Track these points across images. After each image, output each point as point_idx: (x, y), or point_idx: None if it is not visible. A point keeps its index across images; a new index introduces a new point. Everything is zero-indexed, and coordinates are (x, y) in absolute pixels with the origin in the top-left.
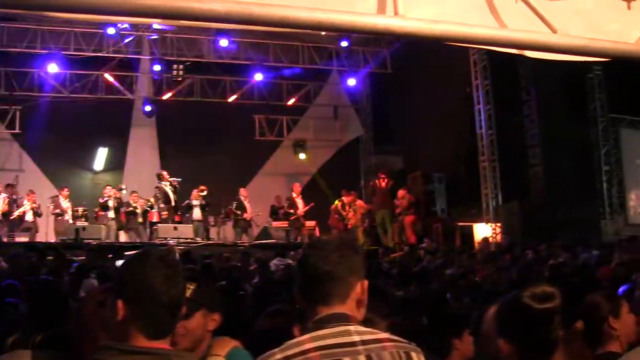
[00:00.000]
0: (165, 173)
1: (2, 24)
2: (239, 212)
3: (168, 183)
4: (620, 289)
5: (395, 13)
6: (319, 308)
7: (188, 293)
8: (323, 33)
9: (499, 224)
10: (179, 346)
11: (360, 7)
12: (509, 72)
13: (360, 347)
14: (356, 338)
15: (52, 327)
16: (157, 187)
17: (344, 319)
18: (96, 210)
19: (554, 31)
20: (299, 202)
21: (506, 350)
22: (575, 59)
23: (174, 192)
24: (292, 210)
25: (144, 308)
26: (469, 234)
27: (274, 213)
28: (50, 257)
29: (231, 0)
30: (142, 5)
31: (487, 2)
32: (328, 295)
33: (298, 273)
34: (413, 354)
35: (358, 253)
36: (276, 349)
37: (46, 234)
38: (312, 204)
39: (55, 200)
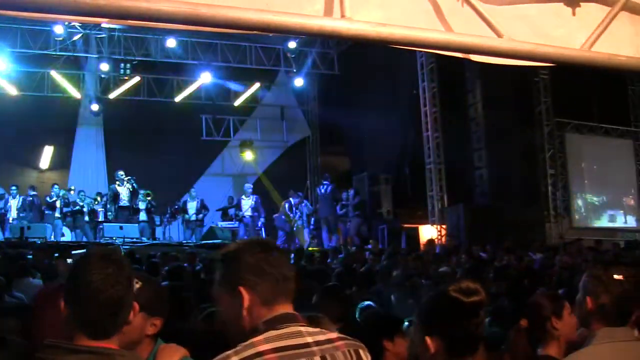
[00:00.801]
0: (121, 172)
1: None
2: (186, 213)
3: (124, 183)
4: (561, 291)
5: (342, 16)
6: (271, 308)
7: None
8: (271, 35)
9: (444, 226)
10: None
11: (308, 10)
12: (456, 74)
13: (314, 348)
14: (309, 339)
15: None
16: (112, 187)
17: (294, 319)
18: (42, 209)
19: (500, 36)
20: (245, 202)
21: (433, 347)
22: (520, 64)
23: (133, 193)
24: (239, 211)
25: (83, 308)
26: (414, 235)
27: (225, 213)
28: None
29: (178, 1)
30: (88, 5)
31: (434, 6)
32: (281, 295)
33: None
34: (361, 352)
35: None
36: (230, 351)
37: None
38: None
39: (2, 197)
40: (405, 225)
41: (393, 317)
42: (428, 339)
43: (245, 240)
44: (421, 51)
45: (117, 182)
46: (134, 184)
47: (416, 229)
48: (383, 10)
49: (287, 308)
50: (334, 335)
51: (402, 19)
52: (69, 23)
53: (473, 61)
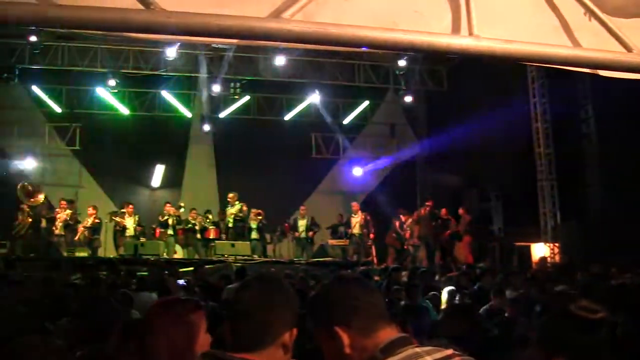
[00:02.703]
0: (231, 196)
1: (63, 44)
2: (296, 230)
3: (232, 206)
4: None
5: (470, 33)
6: (374, 336)
7: None
8: (380, 52)
9: (557, 244)
10: None
11: (436, 27)
12: (568, 89)
13: None
14: (429, 359)
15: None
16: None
17: (408, 341)
18: (154, 227)
19: (629, 50)
20: (354, 220)
21: None
22: None
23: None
24: (348, 230)
25: (234, 323)
26: (527, 253)
27: (334, 231)
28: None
29: (307, 22)
30: (216, 26)
31: (560, 21)
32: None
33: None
34: None
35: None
36: None
37: (105, 249)
38: (372, 234)
39: (115, 216)
40: (517, 243)
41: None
42: (549, 355)
43: (325, 281)
44: (549, 67)
45: (229, 205)
46: (242, 207)
47: (528, 247)
48: (509, 26)
49: (392, 331)
50: (449, 351)
51: (528, 35)
52: (178, 44)
53: (586, 75)
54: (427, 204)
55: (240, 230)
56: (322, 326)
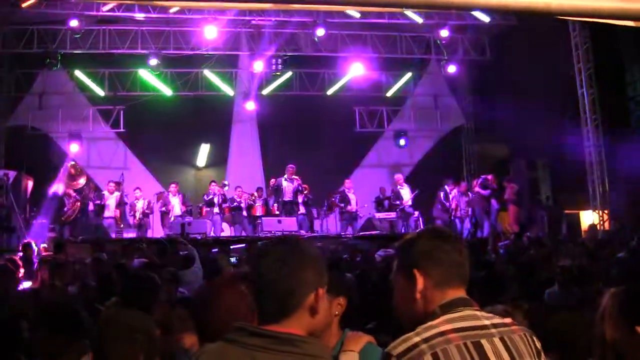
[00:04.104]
0: (291, 167)
1: (104, 27)
2: (342, 204)
3: (293, 182)
4: None
5: None
6: (444, 292)
7: None
8: (421, 22)
9: (606, 211)
10: None
11: None
12: (612, 53)
13: (493, 330)
14: (486, 322)
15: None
16: (273, 179)
17: (469, 303)
18: (201, 206)
19: None
20: (404, 192)
21: None
22: None
23: (297, 190)
24: (397, 202)
25: (255, 296)
26: (576, 221)
27: (379, 204)
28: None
29: None
30: None
31: None
32: (454, 280)
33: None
34: (534, 338)
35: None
36: (410, 333)
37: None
38: (415, 192)
39: (161, 196)
40: (566, 212)
41: None
42: (638, 328)
43: (423, 229)
44: (592, 22)
45: (285, 176)
46: (300, 185)
47: (577, 215)
48: None
49: (460, 293)
50: (508, 320)
51: None
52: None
53: (631, 38)
54: (487, 177)
55: (290, 207)
56: (403, 267)
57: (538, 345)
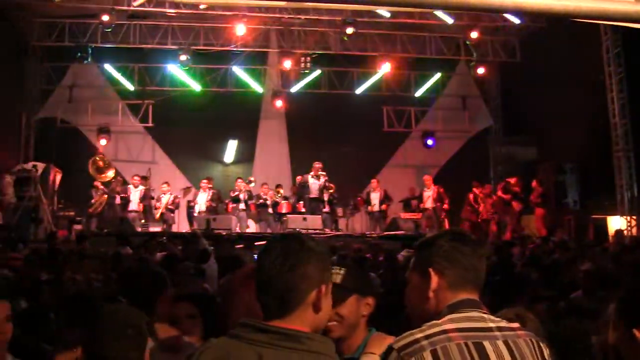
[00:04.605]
0: (317, 165)
1: (134, 22)
2: (368, 204)
3: (320, 178)
4: None
5: None
6: (456, 293)
7: (338, 279)
8: (451, 22)
9: (634, 217)
10: (333, 333)
11: None
12: None
13: (497, 333)
14: (491, 324)
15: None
16: (300, 177)
17: (477, 305)
18: (227, 202)
19: None
20: (429, 193)
21: None
22: None
23: (323, 187)
24: (422, 204)
25: (258, 292)
26: (603, 226)
27: (407, 204)
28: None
29: None
30: None
31: None
32: (468, 283)
33: None
34: (542, 344)
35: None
36: (415, 330)
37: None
38: (446, 205)
39: (188, 191)
40: (593, 216)
41: None
42: (637, 332)
43: (444, 229)
44: (609, 24)
45: (312, 174)
46: (326, 181)
47: (604, 220)
48: None
49: (472, 296)
50: (515, 325)
51: None
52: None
53: None
54: (509, 180)
55: (315, 204)
56: (419, 265)
57: (546, 352)
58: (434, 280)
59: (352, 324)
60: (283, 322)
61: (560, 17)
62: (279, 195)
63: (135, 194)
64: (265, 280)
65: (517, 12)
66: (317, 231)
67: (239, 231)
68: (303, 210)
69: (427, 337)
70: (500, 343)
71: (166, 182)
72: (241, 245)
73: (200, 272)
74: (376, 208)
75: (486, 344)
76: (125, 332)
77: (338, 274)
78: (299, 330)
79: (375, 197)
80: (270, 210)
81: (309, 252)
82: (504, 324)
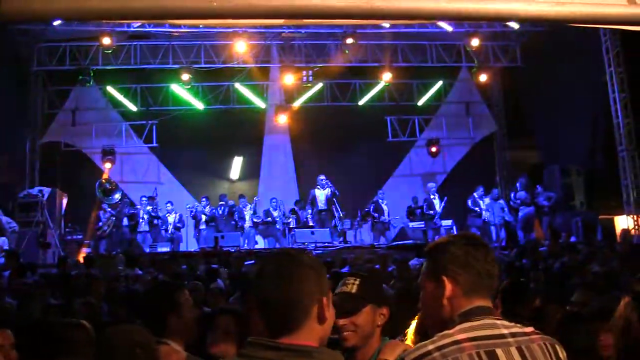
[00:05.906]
0: (322, 177)
1: (135, 42)
2: (376, 215)
3: (325, 187)
4: None
5: None
6: (470, 300)
7: (353, 289)
8: (450, 30)
9: None
10: (348, 342)
11: None
12: None
13: (510, 339)
14: (504, 331)
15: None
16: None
17: (489, 312)
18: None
19: None
20: (436, 202)
21: None
22: None
23: (331, 197)
24: (431, 212)
25: (260, 313)
26: (610, 227)
27: (411, 214)
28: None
29: None
30: (261, 7)
31: None
32: (482, 289)
33: None
34: (557, 347)
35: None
36: (427, 341)
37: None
38: (444, 200)
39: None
40: (601, 217)
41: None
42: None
43: (455, 234)
44: (604, 28)
45: (318, 186)
46: (334, 190)
47: (612, 220)
48: None
49: (485, 302)
50: (529, 329)
51: None
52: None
53: None
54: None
55: (324, 216)
56: (432, 271)
57: (562, 354)
58: (448, 287)
59: (367, 334)
60: (291, 338)
61: (555, 23)
62: (289, 219)
63: (143, 215)
64: (263, 300)
65: (512, 20)
66: (326, 244)
67: (247, 248)
68: (311, 224)
69: (438, 348)
70: (513, 350)
71: (170, 202)
72: (252, 262)
73: (223, 293)
74: (383, 219)
75: (499, 351)
76: (134, 352)
77: (353, 285)
78: (308, 345)
79: (384, 208)
80: (277, 225)
81: (302, 267)
82: (517, 329)
